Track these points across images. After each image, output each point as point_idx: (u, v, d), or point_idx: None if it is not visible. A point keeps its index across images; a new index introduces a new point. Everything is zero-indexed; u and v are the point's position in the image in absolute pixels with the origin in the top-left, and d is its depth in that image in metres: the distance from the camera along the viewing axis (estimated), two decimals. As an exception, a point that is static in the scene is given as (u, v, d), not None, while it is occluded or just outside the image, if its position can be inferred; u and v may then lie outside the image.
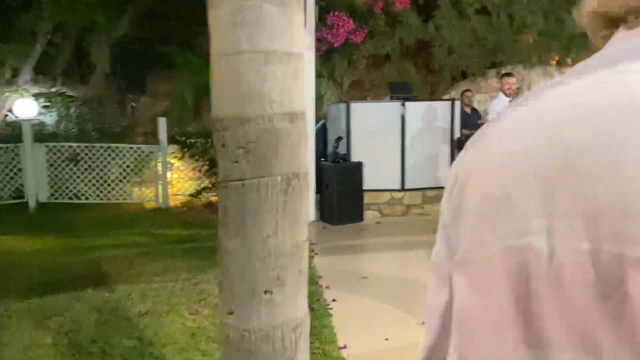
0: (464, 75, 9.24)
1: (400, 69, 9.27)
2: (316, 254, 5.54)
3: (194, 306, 4.14)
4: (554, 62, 9.21)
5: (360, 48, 8.61)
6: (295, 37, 1.61)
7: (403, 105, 7.25)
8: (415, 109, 7.35)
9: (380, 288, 4.53)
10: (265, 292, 1.59)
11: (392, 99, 7.48)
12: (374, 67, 9.29)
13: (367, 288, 4.53)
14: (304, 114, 1.64)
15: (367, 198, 7.26)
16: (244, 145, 1.51)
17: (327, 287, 4.46)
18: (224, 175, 1.59)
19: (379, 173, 7.32)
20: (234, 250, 1.60)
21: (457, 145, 7.55)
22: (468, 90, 8.51)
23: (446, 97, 8.96)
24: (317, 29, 6.93)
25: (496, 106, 6.04)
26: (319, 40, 7.15)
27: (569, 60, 9.24)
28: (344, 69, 8.91)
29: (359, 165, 7.12)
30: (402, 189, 7.36)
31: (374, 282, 4.69)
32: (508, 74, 6.23)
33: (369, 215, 7.26)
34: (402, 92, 7.57)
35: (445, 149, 7.51)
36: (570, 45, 8.93)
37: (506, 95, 6.06)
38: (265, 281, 1.59)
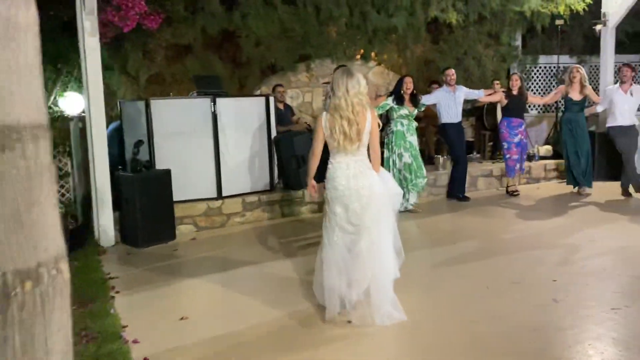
0: (274, 69, 8.70)
1: (205, 61, 8.35)
2: (117, 292, 4.39)
3: None
4: (358, 56, 9.19)
5: (156, 36, 7.46)
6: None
7: (214, 101, 6.37)
8: (228, 106, 6.52)
9: (204, 331, 3.62)
10: None
11: (199, 94, 6.55)
12: (175, 59, 8.20)
13: (188, 333, 3.59)
14: (44, 129, 0.72)
15: (178, 211, 6.22)
16: None
17: (135, 342, 3.42)
18: None
19: (191, 180, 6.34)
20: None
21: (275, 144, 6.94)
22: (279, 85, 7.99)
23: (257, 92, 8.34)
24: (101, 9, 5.65)
25: None
26: (103, 24, 5.86)
27: (373, 54, 9.30)
28: (139, 61, 7.67)
29: (165, 173, 6.04)
30: (220, 197, 6.49)
31: (196, 322, 3.77)
32: (343, 66, 5.91)
33: (183, 230, 6.25)
34: (210, 86, 6.68)
35: (264, 149, 6.84)
36: (373, 40, 8.98)
37: None
38: None
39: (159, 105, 6.27)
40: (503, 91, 7.63)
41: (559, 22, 9.18)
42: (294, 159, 6.69)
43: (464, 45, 9.47)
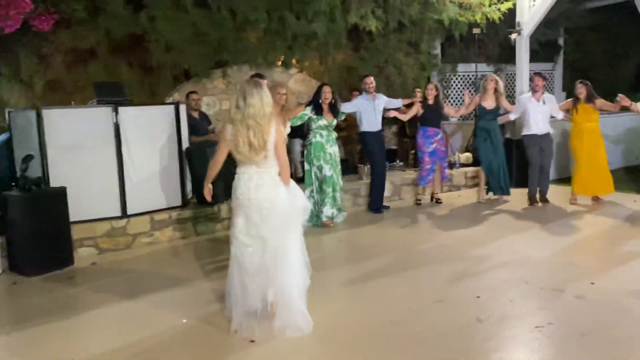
0: (188, 76, 8.18)
1: (111, 67, 7.71)
2: (-7, 334, 3.77)
3: None
4: (279, 63, 8.86)
5: (52, 40, 6.77)
6: None
7: (116, 111, 5.79)
8: (132, 116, 5.95)
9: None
10: None
11: (100, 103, 5.94)
12: (76, 65, 7.50)
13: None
14: None
15: (77, 232, 5.60)
16: None
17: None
18: None
19: (91, 198, 5.72)
20: None
21: (187, 156, 6.45)
22: (193, 92, 7.49)
23: (169, 100, 7.79)
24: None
25: None
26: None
27: (294, 61, 9.01)
28: (34, 66, 6.92)
29: (60, 192, 5.40)
30: (125, 215, 5.91)
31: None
32: (258, 75, 5.65)
33: (82, 254, 5.62)
34: (112, 94, 6.08)
35: (174, 162, 6.32)
36: (294, 46, 8.68)
37: None
38: None
39: (52, 115, 5.62)
40: (420, 101, 7.49)
41: (476, 30, 9.31)
42: (205, 171, 6.21)
43: (384, 53, 9.37)
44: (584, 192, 7.17)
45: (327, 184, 6.38)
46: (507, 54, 10.09)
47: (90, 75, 7.50)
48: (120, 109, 5.83)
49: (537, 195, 7.30)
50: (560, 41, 11.63)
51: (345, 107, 6.92)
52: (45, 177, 5.51)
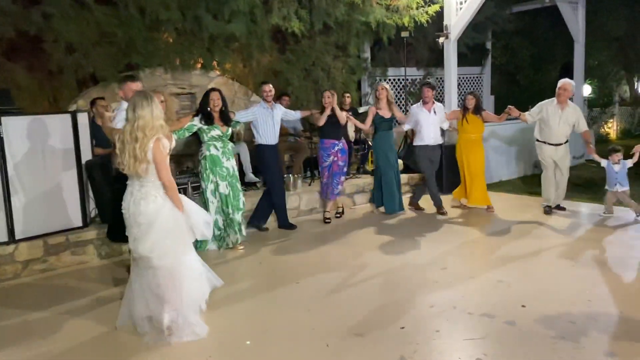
0: (96, 80, 7.44)
1: (5, 71, 6.86)
2: None
3: None
4: (199, 66, 8.26)
5: None
6: None
7: (-2, 121, 5.06)
8: (20, 127, 5.23)
9: None
10: None
11: (-22, 113, 5.17)
12: (-40, 68, 6.63)
13: None
14: None
15: (-50, 263, 4.83)
16: None
17: None
18: None
19: (-31, 222, 4.97)
20: None
21: (87, 171, 5.77)
22: (101, 98, 6.79)
23: (73, 107, 7.04)
24: None
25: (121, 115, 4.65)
26: None
27: (214, 63, 8.44)
28: None
29: None
30: (12, 240, 5.17)
31: None
32: (131, 77, 5.04)
33: (-43, 288, 4.86)
34: (-4, 102, 5.34)
35: (72, 177, 5.62)
36: (212, 48, 8.10)
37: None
38: None
39: None
40: (319, 112, 6.81)
41: (404, 33, 9.09)
42: (109, 187, 5.57)
43: (311, 55, 8.98)
44: (462, 198, 7.38)
45: (226, 204, 5.73)
46: (437, 58, 9.97)
47: (-22, 80, 6.64)
48: (4, 119, 5.09)
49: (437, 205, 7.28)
50: (488, 45, 11.68)
51: (241, 116, 6.26)
52: None
